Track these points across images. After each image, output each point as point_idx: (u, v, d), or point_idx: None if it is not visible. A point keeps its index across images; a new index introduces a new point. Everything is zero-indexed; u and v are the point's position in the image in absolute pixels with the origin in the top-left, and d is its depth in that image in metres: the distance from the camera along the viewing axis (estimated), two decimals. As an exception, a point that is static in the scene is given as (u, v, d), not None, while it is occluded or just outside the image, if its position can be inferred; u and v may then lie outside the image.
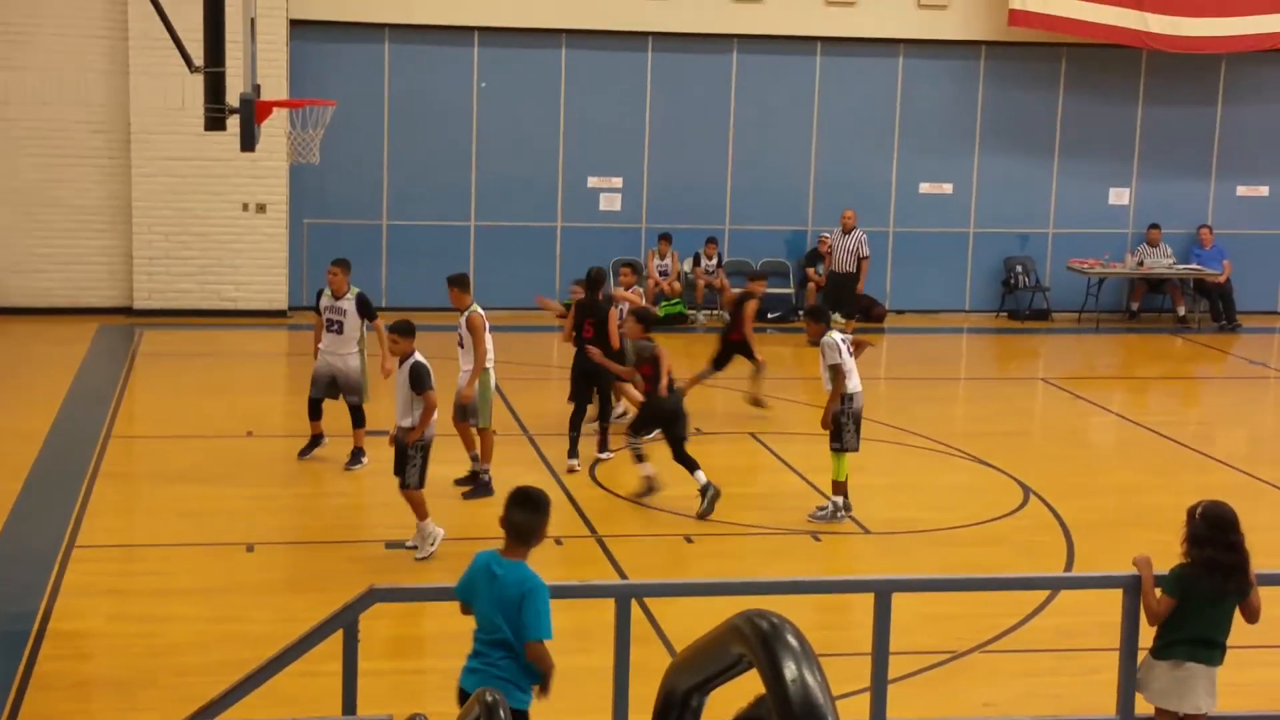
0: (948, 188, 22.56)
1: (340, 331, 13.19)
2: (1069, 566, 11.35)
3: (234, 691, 6.75)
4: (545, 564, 11.20)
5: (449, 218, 21.35)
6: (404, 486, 10.85)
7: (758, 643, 3.88)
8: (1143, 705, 7.17)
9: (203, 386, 16.73)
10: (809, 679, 3.68)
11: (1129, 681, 7.17)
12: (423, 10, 20.88)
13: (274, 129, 16.49)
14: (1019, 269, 22.64)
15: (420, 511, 10.89)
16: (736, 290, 16.99)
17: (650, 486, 12.46)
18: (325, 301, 13.32)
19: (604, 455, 13.68)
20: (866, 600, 7.15)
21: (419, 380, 10.69)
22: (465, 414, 12.51)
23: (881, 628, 6.94)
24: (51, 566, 10.58)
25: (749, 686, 4.11)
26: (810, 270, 21.77)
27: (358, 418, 13.27)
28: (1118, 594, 7.19)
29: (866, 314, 21.48)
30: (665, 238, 21.44)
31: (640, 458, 12.53)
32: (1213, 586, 6.82)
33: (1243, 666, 7.92)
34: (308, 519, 12.29)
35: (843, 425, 11.85)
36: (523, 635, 6.14)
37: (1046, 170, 22.71)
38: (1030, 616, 9.93)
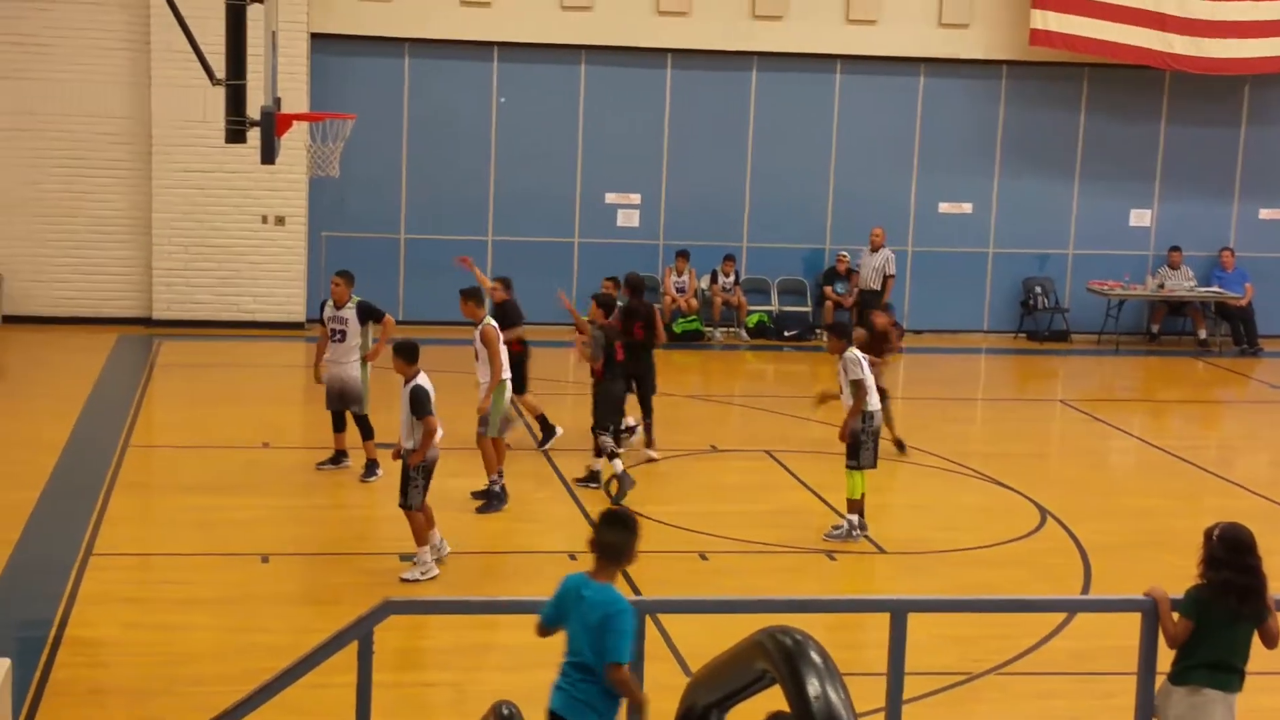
0: (967, 207, 22.52)
1: (343, 340, 13.39)
2: (1086, 589, 11.29)
3: (247, 702, 6.74)
4: (561, 580, 11.24)
5: (467, 232, 21.38)
6: (404, 506, 10.83)
7: (781, 659, 3.87)
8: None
9: (220, 397, 16.77)
10: (833, 695, 3.68)
11: (1146, 706, 7.11)
12: (443, 25, 20.94)
13: (294, 142, 16.53)
14: (1038, 290, 22.59)
15: (419, 537, 10.83)
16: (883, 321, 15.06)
17: (622, 487, 12.70)
18: (328, 312, 13.55)
19: (653, 454, 14.25)
20: (881, 620, 7.11)
21: (418, 405, 10.67)
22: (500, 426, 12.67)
23: (897, 648, 6.89)
24: (69, 574, 10.61)
25: (767, 703, 4.09)
26: (828, 288, 21.75)
27: (365, 429, 13.39)
28: (1135, 618, 7.13)
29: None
30: (683, 254, 21.45)
31: (612, 454, 12.89)
32: (1228, 608, 6.78)
33: (1262, 692, 7.86)
34: (322, 530, 12.30)
35: (861, 442, 11.84)
36: (602, 658, 6.07)
37: (1067, 191, 22.67)
38: (1046, 639, 9.87)
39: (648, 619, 7.12)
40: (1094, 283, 22.30)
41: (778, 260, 22.19)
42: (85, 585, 10.41)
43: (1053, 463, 15.79)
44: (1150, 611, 7.04)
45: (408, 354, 10.91)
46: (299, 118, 13.95)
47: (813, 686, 3.75)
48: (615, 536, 6.27)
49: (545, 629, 6.40)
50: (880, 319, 14.91)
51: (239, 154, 16.30)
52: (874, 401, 11.94)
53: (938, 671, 9.09)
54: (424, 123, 21.18)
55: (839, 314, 21.20)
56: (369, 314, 13.38)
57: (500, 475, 12.62)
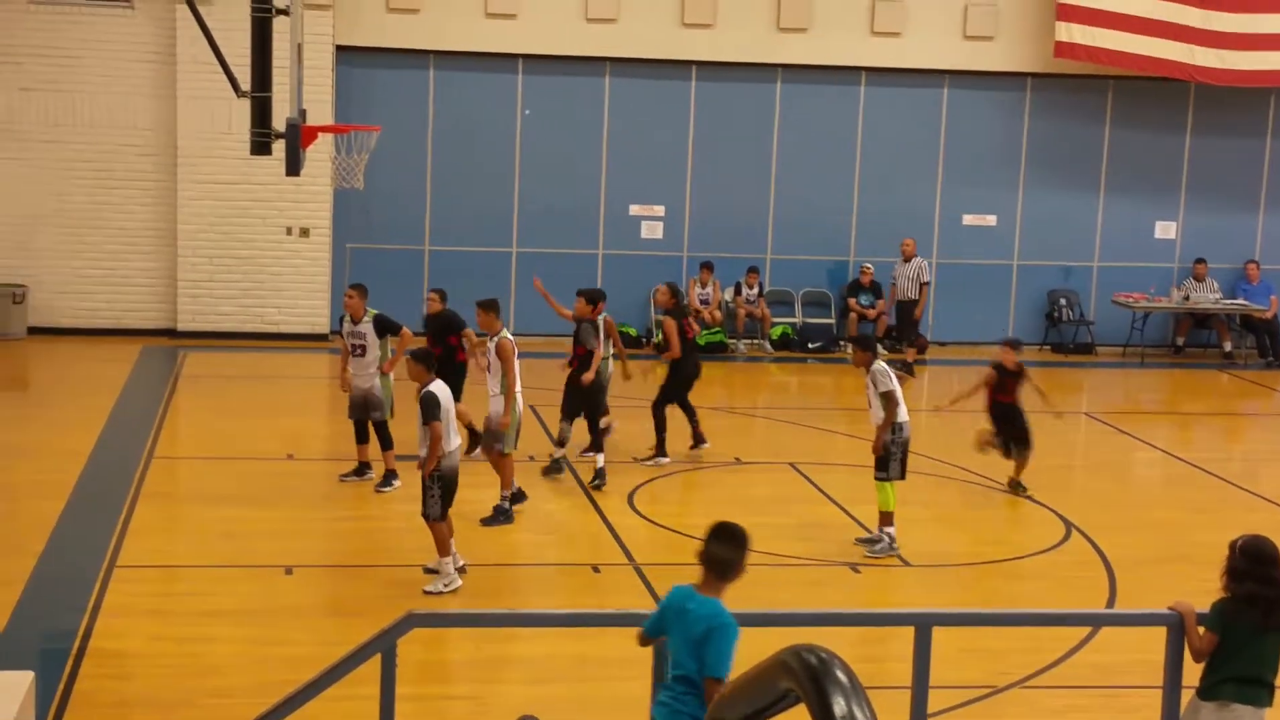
0: (992, 219, 22.46)
1: (363, 355, 13.46)
2: (1111, 603, 11.23)
3: (271, 714, 6.75)
4: (583, 592, 11.27)
5: (491, 244, 21.42)
6: (425, 516, 10.86)
7: (806, 678, 3.84)
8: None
9: (244, 409, 16.82)
10: (858, 715, 3.65)
11: (1172, 721, 7.06)
12: (468, 38, 20.99)
13: (319, 154, 16.56)
14: (1063, 302, 22.51)
15: (442, 547, 10.83)
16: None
17: (600, 480, 13.52)
18: (346, 327, 13.59)
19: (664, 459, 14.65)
20: (906, 633, 7.08)
21: (424, 410, 10.70)
22: (492, 439, 12.54)
23: (921, 662, 6.86)
24: (93, 586, 10.64)
25: None
26: (852, 300, 21.70)
27: (385, 439, 13.44)
28: (1160, 632, 7.08)
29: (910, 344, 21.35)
30: (707, 266, 21.43)
31: (561, 442, 13.85)
32: (1253, 621, 6.73)
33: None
34: (346, 542, 12.32)
35: (890, 454, 11.85)
36: (703, 671, 6.02)
37: (1092, 203, 22.59)
38: (1071, 653, 9.83)
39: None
40: (1119, 295, 22.21)
41: (802, 272, 22.16)
42: (109, 597, 10.44)
43: (1078, 475, 15.72)
44: (1175, 626, 6.99)
45: (422, 359, 10.95)
46: (324, 130, 13.99)
47: (839, 706, 3.72)
48: (724, 551, 6.12)
49: (646, 639, 6.41)
50: (1008, 357, 14.23)
51: (264, 166, 16.39)
52: (904, 413, 11.93)
53: (962, 685, 9.05)
54: (448, 135, 21.22)
55: (863, 326, 21.14)
56: (386, 327, 13.42)
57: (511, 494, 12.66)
